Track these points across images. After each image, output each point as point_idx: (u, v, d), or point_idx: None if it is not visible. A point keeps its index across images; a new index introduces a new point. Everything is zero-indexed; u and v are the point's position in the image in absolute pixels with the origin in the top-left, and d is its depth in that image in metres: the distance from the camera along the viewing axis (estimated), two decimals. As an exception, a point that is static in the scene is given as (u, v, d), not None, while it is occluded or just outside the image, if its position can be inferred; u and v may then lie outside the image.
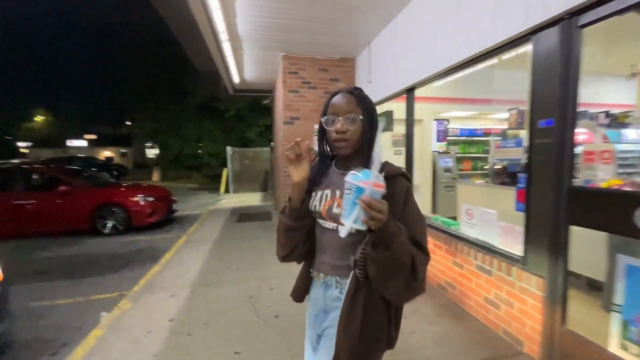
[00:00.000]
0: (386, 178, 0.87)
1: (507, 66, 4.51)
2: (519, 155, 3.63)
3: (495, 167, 4.11)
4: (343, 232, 0.83)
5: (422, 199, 5.53)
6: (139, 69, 17.64)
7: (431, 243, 3.37)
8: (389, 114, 4.64)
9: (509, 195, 3.15)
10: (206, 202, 10.60)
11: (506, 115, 5.73)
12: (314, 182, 1.09)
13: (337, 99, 1.01)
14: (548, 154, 2.01)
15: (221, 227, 6.46)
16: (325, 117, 1.02)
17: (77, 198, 6.15)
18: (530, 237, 2.14)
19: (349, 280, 0.97)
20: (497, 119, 7.00)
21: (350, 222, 0.81)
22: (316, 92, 5.53)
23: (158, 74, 16.93)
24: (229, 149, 12.48)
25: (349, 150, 1.00)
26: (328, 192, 1.04)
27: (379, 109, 5.01)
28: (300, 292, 1.17)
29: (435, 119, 6.13)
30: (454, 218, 5.58)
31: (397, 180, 0.98)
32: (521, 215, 2.25)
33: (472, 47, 2.74)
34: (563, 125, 1.93)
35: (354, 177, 0.82)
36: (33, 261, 4.84)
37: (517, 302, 2.24)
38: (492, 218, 2.58)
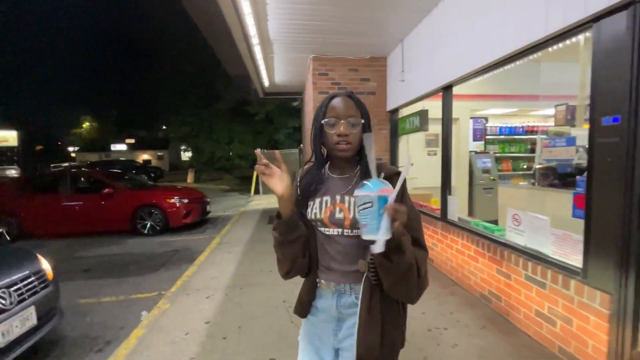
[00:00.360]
0: (386, 179, 0.88)
1: (555, 58, 4.19)
2: (571, 155, 3.34)
3: (542, 168, 3.81)
4: (379, 248, 0.78)
5: (458, 201, 5.26)
6: (174, 75, 18.46)
7: (472, 249, 3.17)
8: (423, 113, 4.45)
9: (563, 200, 2.89)
10: (237, 203, 10.85)
11: (553, 111, 5.34)
12: (309, 190, 1.06)
13: (337, 102, 1.00)
14: (614, 154, 1.79)
15: (253, 228, 6.55)
16: (326, 120, 1.00)
17: (119, 200, 6.49)
18: (593, 248, 1.92)
19: (361, 287, 0.96)
20: (541, 116, 6.53)
21: (382, 234, 0.77)
22: (346, 93, 5.44)
23: (191, 79, 17.61)
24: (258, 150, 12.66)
25: (350, 152, 1.00)
26: (327, 198, 1.03)
27: (412, 108, 4.85)
28: (306, 306, 1.12)
29: (471, 117, 5.83)
30: (495, 222, 5.29)
31: (394, 180, 0.95)
32: (580, 223, 2.03)
33: (520, 40, 2.53)
34: (633, 122, 1.71)
35: (370, 189, 0.79)
36: (80, 259, 5.16)
37: (577, 319, 2.02)
38: (545, 225, 2.36)
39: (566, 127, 3.86)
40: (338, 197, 1.01)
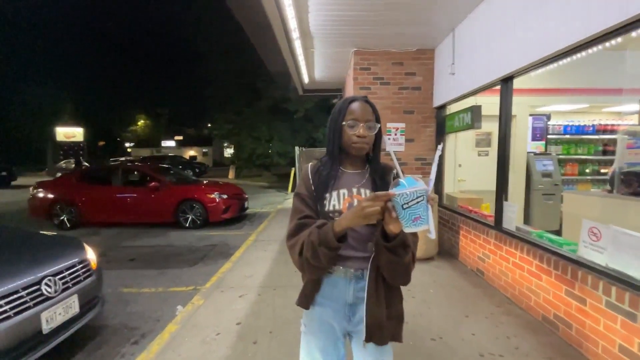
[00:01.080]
0: (389, 174, 1.18)
1: (633, 47, 3.56)
2: (667, 158, 2.78)
3: (624, 172, 3.24)
4: (434, 234, 0.86)
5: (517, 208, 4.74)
6: (220, 75, 19.17)
7: (533, 265, 2.76)
8: (476, 109, 4.03)
9: None
10: (275, 200, 10.94)
11: (635, 107, 4.59)
12: (327, 184, 1.13)
13: (357, 106, 1.10)
14: None
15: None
16: (347, 122, 1.10)
17: (164, 193, 6.78)
18: None
19: (369, 267, 1.08)
20: (616, 113, 5.69)
21: (432, 224, 0.85)
22: (389, 89, 5.14)
23: (235, 79, 18.16)
24: (296, 148, 12.71)
25: (366, 152, 1.14)
26: (344, 191, 1.12)
27: (462, 105, 4.43)
28: (310, 298, 1.16)
29: (530, 115, 5.22)
30: (556, 233, 4.68)
31: (388, 177, 1.19)
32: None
33: (604, 21, 2.10)
34: None
35: (414, 184, 0.85)
36: (127, 249, 5.44)
37: (683, 365, 1.60)
38: (636, 243, 1.93)
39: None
40: (354, 190, 1.13)
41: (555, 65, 3.92)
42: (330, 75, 6.88)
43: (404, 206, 0.84)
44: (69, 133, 28.14)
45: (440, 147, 1.03)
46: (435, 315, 2.81)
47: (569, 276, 2.34)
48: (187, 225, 6.76)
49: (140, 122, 45.97)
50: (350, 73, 5.42)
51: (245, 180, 18.09)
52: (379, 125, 1.12)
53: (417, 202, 0.82)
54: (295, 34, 4.32)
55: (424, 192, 0.83)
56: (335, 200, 1.10)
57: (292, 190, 12.56)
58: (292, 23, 3.98)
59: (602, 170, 5.45)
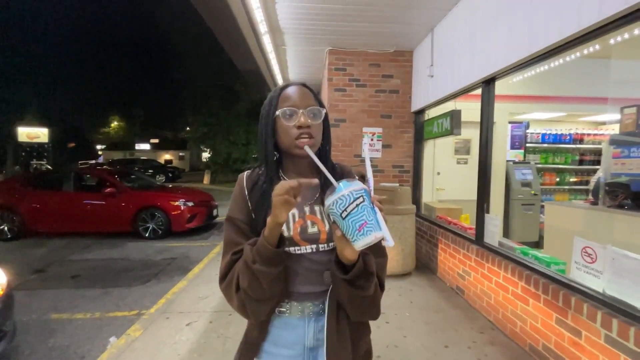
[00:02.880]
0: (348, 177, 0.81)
1: (619, 54, 3.44)
2: (656, 169, 2.58)
3: (608, 183, 3.04)
4: (391, 241, 0.67)
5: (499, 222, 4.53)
6: (196, 76, 18.51)
7: (519, 287, 2.47)
8: (455, 114, 3.78)
9: None
10: (249, 207, 10.42)
11: (613, 116, 4.49)
12: (264, 205, 0.84)
13: (292, 90, 0.86)
14: None
15: (258, 237, 6.02)
16: (281, 110, 0.83)
17: (121, 200, 6.17)
18: None
19: (327, 301, 0.84)
20: (592, 122, 5.65)
21: (384, 228, 0.66)
22: (366, 91, 4.85)
23: (212, 81, 17.56)
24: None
25: (315, 148, 0.85)
26: (294, 211, 0.86)
27: (441, 109, 4.18)
28: (255, 348, 0.88)
29: (510, 122, 5.06)
30: (536, 244, 4.49)
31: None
32: None
33: (590, 16, 1.85)
34: None
35: (350, 185, 0.67)
36: (73, 263, 4.82)
37: None
38: (638, 267, 1.65)
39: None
40: (307, 209, 0.87)
41: (537, 70, 3.77)
42: (306, 77, 6.54)
43: (343, 214, 0.65)
44: (32, 133, 26.37)
45: (365, 140, 0.78)
46: (411, 346, 2.45)
47: (561, 303, 2.05)
48: (147, 235, 6.17)
49: (114, 124, 44.00)
50: (325, 73, 5.09)
51: (221, 186, 17.41)
52: (324, 111, 0.86)
53: (358, 205, 0.65)
54: (263, 28, 3.94)
55: (362, 192, 0.66)
56: (284, 225, 0.82)
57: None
58: (258, 14, 3.60)
59: (572, 180, 5.38)
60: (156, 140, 43.72)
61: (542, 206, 4.51)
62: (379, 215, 0.67)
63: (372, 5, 3.50)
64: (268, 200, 0.80)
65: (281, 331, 0.87)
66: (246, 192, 0.88)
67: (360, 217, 0.64)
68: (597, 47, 3.06)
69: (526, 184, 4.80)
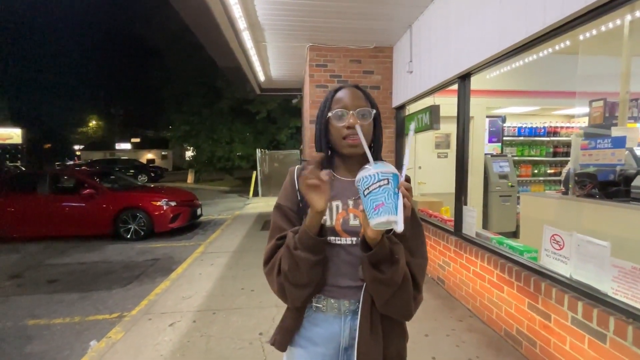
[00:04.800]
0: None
1: (587, 50, 3.59)
2: (620, 158, 2.71)
3: (577, 174, 3.18)
4: (401, 226, 0.67)
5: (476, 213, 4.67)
6: (177, 73, 18.07)
7: (494, 275, 2.56)
8: (434, 109, 3.85)
9: (634, 219, 2.28)
10: (234, 205, 10.32)
11: (581, 110, 4.69)
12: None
13: (344, 93, 0.91)
14: None
15: (243, 235, 5.99)
16: (333, 112, 0.89)
17: (100, 201, 6.00)
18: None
19: (361, 296, 0.85)
20: (564, 116, 5.88)
21: (400, 214, 0.67)
22: (347, 87, 4.87)
23: (193, 78, 17.19)
24: (258, 151, 12.18)
25: (362, 148, 0.84)
26: (338, 203, 0.91)
27: (421, 105, 4.25)
28: (290, 336, 0.93)
29: (487, 116, 5.21)
30: (514, 234, 4.65)
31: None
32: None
33: (554, 14, 1.93)
34: None
35: (382, 167, 0.70)
36: (50, 267, 4.66)
37: (658, 394, 1.41)
38: (602, 253, 1.75)
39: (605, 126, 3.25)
40: (351, 202, 0.91)
41: (510, 66, 3.89)
42: (288, 74, 6.51)
43: (365, 192, 0.69)
44: (5, 134, 25.21)
45: (412, 127, 0.90)
46: (392, 336, 2.51)
47: (532, 288, 2.14)
48: (129, 236, 6.03)
49: (92, 123, 42.55)
50: (307, 70, 5.09)
51: (205, 185, 17.16)
52: (374, 111, 0.90)
53: (380, 186, 0.68)
54: (242, 24, 3.89)
55: (389, 175, 0.69)
56: (327, 215, 0.90)
57: (255, 194, 11.99)
58: (237, 10, 3.56)
59: (550, 171, 5.59)
60: (137, 140, 42.55)
61: (519, 197, 4.67)
62: (401, 201, 0.68)
63: (351, 1, 3.52)
64: None
65: (316, 327, 0.91)
66: (296, 182, 0.93)
67: (379, 197, 0.67)
68: (567, 43, 3.19)
69: (503, 176, 4.96)
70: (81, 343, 2.67)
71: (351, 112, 0.87)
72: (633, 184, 2.70)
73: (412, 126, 0.88)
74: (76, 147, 42.85)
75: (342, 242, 0.89)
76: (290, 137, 16.05)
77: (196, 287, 3.57)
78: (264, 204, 9.87)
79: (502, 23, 2.46)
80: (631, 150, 2.86)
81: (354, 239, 0.88)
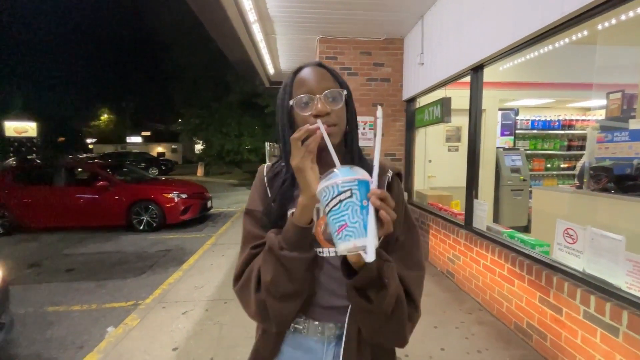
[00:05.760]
0: (381, 174, 0.74)
1: (606, 41, 3.48)
2: (638, 152, 2.65)
3: (592, 167, 3.12)
4: (371, 256, 0.50)
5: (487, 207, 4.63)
6: (186, 67, 18.17)
7: (505, 268, 2.55)
8: (445, 102, 3.80)
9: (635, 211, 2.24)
10: (243, 199, 10.43)
11: (600, 102, 4.56)
12: (287, 195, 0.76)
13: (306, 73, 0.74)
14: None
15: (253, 227, 6.06)
16: (295, 99, 0.72)
17: (114, 194, 6.13)
18: None
19: (346, 319, 0.72)
20: (580, 109, 5.73)
21: (371, 235, 0.50)
22: (357, 80, 4.84)
23: (203, 72, 17.26)
24: (266, 144, 12.23)
25: (337, 138, 0.73)
26: (319, 205, 0.72)
27: (431, 97, 4.20)
28: None
29: (500, 109, 5.12)
30: (525, 228, 4.59)
31: (395, 182, 0.81)
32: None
33: (573, 2, 1.88)
34: None
35: (349, 174, 0.53)
36: (67, 257, 4.81)
37: (672, 388, 1.40)
38: (617, 247, 1.73)
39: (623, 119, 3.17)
40: None
41: (524, 58, 3.80)
42: (298, 65, 6.49)
43: (326, 209, 0.53)
44: (20, 128, 25.82)
45: (379, 112, 0.62)
46: (401, 327, 2.53)
47: (544, 282, 2.13)
48: (142, 228, 6.17)
49: (104, 117, 43.22)
50: (316, 63, 5.06)
51: (215, 178, 17.36)
52: (345, 92, 0.73)
53: (341, 201, 0.51)
54: (252, 16, 3.89)
55: (352, 185, 0.51)
56: None
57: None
58: (247, 2, 3.55)
59: (563, 165, 5.48)
60: (148, 133, 43.14)
61: (531, 191, 4.61)
62: (372, 217, 0.52)
63: (362, -8, 3.48)
64: (292, 193, 0.75)
65: (296, 351, 0.77)
66: (266, 182, 0.80)
67: (341, 216, 0.51)
68: (585, 32, 3.10)
69: (515, 170, 4.89)
70: (99, 329, 2.77)
71: (318, 96, 0.70)
72: (649, 177, 2.64)
73: (379, 112, 0.62)
74: (88, 140, 43.68)
75: (325, 254, 0.74)
76: (299, 131, 16.01)
77: (208, 277, 3.65)
78: (273, 197, 9.94)
79: (518, 12, 2.41)
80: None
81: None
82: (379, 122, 0.61)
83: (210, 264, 4.12)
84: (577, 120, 5.40)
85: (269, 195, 0.78)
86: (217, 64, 16.00)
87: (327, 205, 0.52)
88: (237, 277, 0.74)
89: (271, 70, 6.44)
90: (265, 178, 0.81)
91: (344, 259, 0.64)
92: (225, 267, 3.97)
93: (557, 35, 2.23)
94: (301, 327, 0.76)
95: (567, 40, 3.31)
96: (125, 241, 5.59)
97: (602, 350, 1.72)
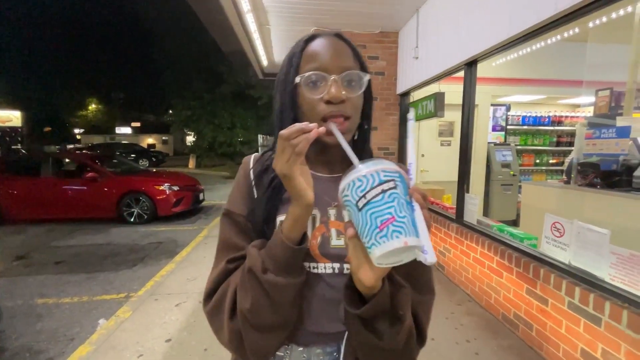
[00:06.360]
0: None
1: (597, 39, 3.54)
2: (623, 148, 2.72)
3: (580, 163, 3.20)
4: (431, 257, 0.41)
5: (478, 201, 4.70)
6: (178, 58, 17.84)
7: (494, 261, 2.61)
8: (439, 97, 3.83)
9: (634, 208, 2.31)
10: (235, 191, 10.38)
11: (589, 99, 4.65)
12: (277, 196, 0.61)
13: (322, 45, 0.59)
14: None
15: (245, 220, 6.05)
16: (302, 76, 0.57)
17: (104, 185, 6.04)
18: (684, 280, 1.35)
19: (342, 348, 0.58)
20: (570, 105, 5.83)
21: (425, 237, 0.41)
22: (351, 73, 4.82)
23: (195, 62, 16.99)
24: (259, 137, 12.16)
25: (350, 136, 0.60)
26: (315, 212, 0.61)
27: (425, 92, 4.22)
28: None
29: (492, 104, 5.17)
30: (514, 223, 4.69)
31: None
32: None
33: None
34: None
35: (379, 164, 0.42)
36: (55, 249, 4.74)
37: (650, 375, 1.47)
38: (602, 240, 1.79)
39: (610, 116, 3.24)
40: (332, 213, 0.62)
41: (517, 54, 3.83)
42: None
43: (360, 203, 0.41)
44: (4, 117, 25.06)
45: (410, 115, 0.53)
46: (393, 318, 2.59)
47: (531, 274, 2.19)
48: (133, 220, 6.10)
49: (92, 107, 42.24)
50: (311, 55, 5.02)
51: (207, 170, 17.19)
52: (367, 77, 0.60)
53: (385, 191, 0.41)
54: (245, 6, 3.83)
55: (395, 175, 0.42)
56: None
57: (256, 180, 11.99)
58: (241, -8, 3.49)
59: (552, 161, 5.59)
60: (138, 124, 42.36)
61: (520, 186, 4.70)
62: (419, 215, 0.43)
63: (357, -16, 3.45)
64: (283, 193, 0.60)
65: None
66: (252, 178, 0.65)
67: (385, 208, 0.40)
68: (576, 30, 3.14)
69: (506, 165, 4.96)
70: (90, 321, 2.75)
71: (333, 76, 0.56)
72: (635, 173, 2.72)
73: (411, 113, 0.55)
74: (76, 130, 42.71)
75: (320, 271, 0.60)
76: (292, 124, 15.95)
77: (201, 269, 3.65)
78: (266, 190, 9.91)
79: (513, 8, 2.43)
80: (635, 141, 2.86)
81: (337, 265, 0.60)
82: (411, 123, 0.53)
83: (204, 256, 4.11)
84: (566, 116, 5.50)
85: (255, 195, 0.63)
86: (210, 54, 15.78)
87: (363, 196, 0.41)
88: (209, 296, 0.61)
89: (265, 62, 6.37)
90: (252, 172, 0.65)
91: (348, 282, 0.51)
92: (218, 260, 3.97)
93: (550, 31, 2.25)
94: (282, 355, 0.61)
95: (559, 37, 3.35)
96: (116, 233, 5.52)
97: (585, 339, 1.79)
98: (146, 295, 3.04)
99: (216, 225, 5.78)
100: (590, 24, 2.97)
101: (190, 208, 6.71)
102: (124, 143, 24.19)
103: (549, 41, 3.52)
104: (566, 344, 1.92)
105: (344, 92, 0.56)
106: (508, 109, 5.28)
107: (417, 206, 0.43)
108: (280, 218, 0.58)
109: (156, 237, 5.27)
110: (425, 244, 0.41)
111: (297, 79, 0.58)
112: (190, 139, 22.68)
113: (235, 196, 0.66)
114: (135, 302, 2.91)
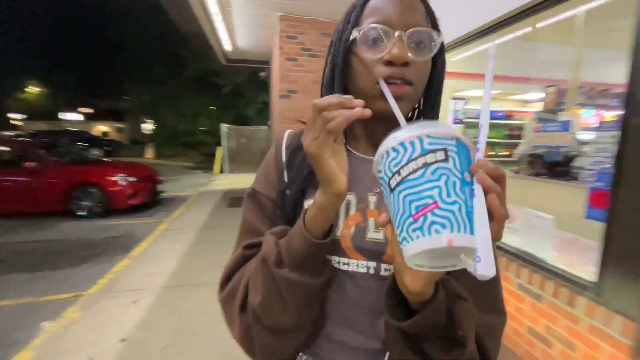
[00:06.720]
0: None
1: (544, 38, 3.78)
2: (566, 141, 2.96)
3: (528, 154, 3.45)
4: (488, 269, 0.27)
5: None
6: (138, 38, 16.60)
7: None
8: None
9: (572, 195, 2.51)
10: (198, 182, 9.99)
11: (537, 95, 5.00)
12: (306, 180, 0.52)
13: None
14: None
15: (209, 212, 5.86)
16: (361, 30, 0.47)
17: (48, 176, 5.51)
18: (614, 258, 1.51)
19: None
20: (520, 101, 6.25)
21: (484, 239, 0.28)
22: (317, 62, 4.76)
23: (155, 45, 15.92)
24: (223, 126, 11.75)
25: (408, 106, 0.50)
26: (351, 197, 0.51)
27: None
28: None
29: (453, 98, 5.39)
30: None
31: None
32: (597, 226, 1.61)
33: None
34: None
35: (429, 126, 0.31)
36: (-4, 247, 4.28)
37: (583, 345, 1.64)
38: (547, 225, 1.94)
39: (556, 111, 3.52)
40: (372, 199, 0.51)
41: (478, 49, 4.00)
42: (257, 44, 6.21)
43: (393, 181, 0.31)
44: None
45: (492, 51, 0.37)
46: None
47: (485, 258, 2.33)
48: (85, 214, 5.65)
49: (32, 90, 38.17)
50: (276, 41, 4.89)
51: (167, 160, 16.36)
52: (440, 38, 0.49)
53: (427, 165, 0.30)
54: (206, -14, 3.61)
55: (447, 143, 0.30)
56: None
57: (220, 171, 11.65)
58: (201, -31, 3.28)
59: (503, 153, 6.00)
60: (90, 110, 39.10)
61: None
62: (480, 203, 0.30)
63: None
64: (314, 176, 0.47)
65: None
66: (283, 156, 0.56)
67: (425, 189, 0.30)
68: (529, 29, 3.34)
69: (464, 157, 5.23)
70: (34, 324, 2.52)
71: (398, 32, 0.46)
72: (572, 164, 2.99)
73: (493, 49, 0.37)
74: (14, 115, 38.48)
75: (351, 269, 0.51)
76: (258, 113, 15.58)
77: (161, 263, 3.48)
78: (231, 181, 9.65)
79: (472, 3, 2.51)
80: (574, 134, 3.13)
81: (372, 264, 0.50)
82: (491, 66, 0.36)
83: (164, 249, 3.93)
84: (517, 111, 5.89)
85: (285, 176, 0.55)
86: (171, 36, 14.83)
87: (397, 172, 0.31)
88: (224, 282, 0.54)
89: (228, 46, 6.10)
90: (285, 151, 0.56)
91: (391, 285, 0.41)
92: (180, 253, 3.81)
93: (504, 28, 2.36)
94: None
95: (512, 35, 3.54)
96: (66, 228, 5.10)
97: (530, 316, 1.95)
98: (99, 293, 2.85)
99: (177, 217, 5.54)
100: (539, 25, 3.17)
101: (149, 200, 6.35)
102: (73, 130, 22.17)
103: (504, 38, 3.71)
104: (515, 322, 2.08)
105: (409, 54, 0.46)
106: (465, 102, 5.54)
107: (479, 189, 0.30)
108: (309, 202, 0.47)
109: (112, 232, 4.94)
110: (480, 248, 0.28)
111: (355, 33, 0.48)
112: (148, 127, 21.38)
113: (262, 175, 0.58)
114: (85, 301, 2.72)
